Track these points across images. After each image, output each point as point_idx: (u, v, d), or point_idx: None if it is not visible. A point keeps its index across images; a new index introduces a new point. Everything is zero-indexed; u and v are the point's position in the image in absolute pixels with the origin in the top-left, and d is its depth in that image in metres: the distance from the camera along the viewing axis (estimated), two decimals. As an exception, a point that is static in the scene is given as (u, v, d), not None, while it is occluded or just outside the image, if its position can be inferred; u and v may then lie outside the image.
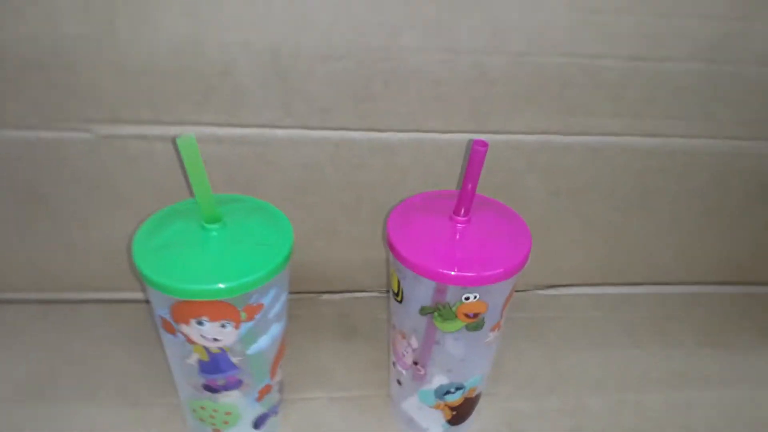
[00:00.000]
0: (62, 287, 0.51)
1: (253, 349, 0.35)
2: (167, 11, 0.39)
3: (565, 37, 0.43)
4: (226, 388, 0.36)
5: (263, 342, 0.35)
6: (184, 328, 0.33)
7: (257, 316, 0.33)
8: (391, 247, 0.34)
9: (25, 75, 0.41)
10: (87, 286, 0.51)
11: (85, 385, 0.44)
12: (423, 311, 0.34)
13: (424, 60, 0.43)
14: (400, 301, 0.36)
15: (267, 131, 0.45)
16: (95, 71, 0.41)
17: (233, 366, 0.35)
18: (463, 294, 0.33)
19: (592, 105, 0.47)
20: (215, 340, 0.33)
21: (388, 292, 0.54)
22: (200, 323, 0.32)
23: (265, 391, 0.38)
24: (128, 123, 0.43)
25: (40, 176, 0.45)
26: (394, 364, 0.40)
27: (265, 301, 0.33)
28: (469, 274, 0.32)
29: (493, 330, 0.35)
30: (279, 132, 0.45)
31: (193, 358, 0.34)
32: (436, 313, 0.34)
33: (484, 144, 0.32)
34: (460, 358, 0.36)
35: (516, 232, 0.35)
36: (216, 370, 0.35)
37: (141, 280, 0.32)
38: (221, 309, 0.32)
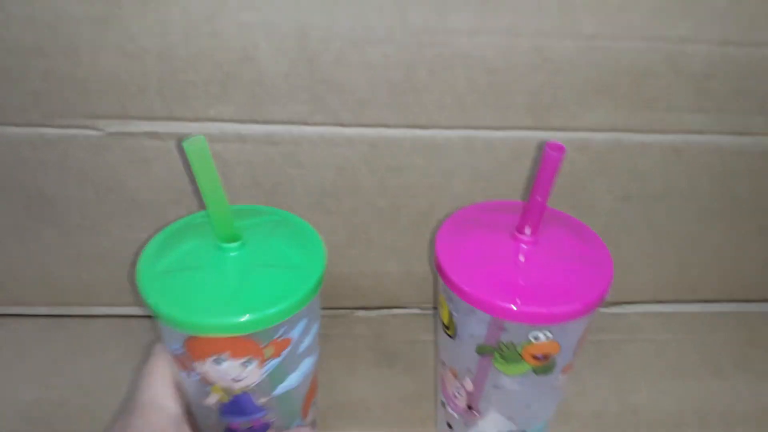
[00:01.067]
0: (71, 301, 0.47)
1: (281, 388, 0.30)
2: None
3: (645, 19, 0.36)
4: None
5: (292, 380, 0.30)
6: (200, 366, 0.27)
7: (285, 352, 0.28)
8: (440, 271, 0.28)
9: (23, 63, 0.36)
10: (97, 299, 0.47)
11: (97, 416, 0.39)
12: (481, 350, 0.28)
13: (477, 44, 0.37)
14: (452, 336, 0.30)
15: (294, 128, 0.39)
16: (100, 57, 0.36)
17: (258, 408, 0.30)
18: (531, 332, 0.27)
19: (673, 98, 0.40)
20: (236, 381, 0.28)
21: (435, 309, 0.48)
22: (218, 362, 0.27)
23: None
24: (138, 119, 0.38)
25: (45, 179, 0.41)
26: (443, 404, 0.34)
27: (294, 334, 0.28)
28: (540, 310, 0.26)
29: (564, 372, 0.29)
30: (308, 129, 0.39)
31: (212, 399, 0.29)
32: (497, 354, 0.28)
33: (560, 148, 0.26)
34: (524, 404, 0.30)
35: (592, 254, 0.29)
36: (239, 413, 0.30)
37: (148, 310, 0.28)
38: (243, 345, 0.27)
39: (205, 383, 0.28)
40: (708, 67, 0.39)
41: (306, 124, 0.39)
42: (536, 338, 0.27)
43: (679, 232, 0.47)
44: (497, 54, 0.37)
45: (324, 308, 0.47)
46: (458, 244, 0.29)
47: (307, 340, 0.29)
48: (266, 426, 0.31)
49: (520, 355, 0.27)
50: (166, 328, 0.27)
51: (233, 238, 0.28)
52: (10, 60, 0.36)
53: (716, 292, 0.51)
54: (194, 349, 0.27)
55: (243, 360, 0.27)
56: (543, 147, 0.26)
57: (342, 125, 0.39)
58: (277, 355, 0.28)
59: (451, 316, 0.30)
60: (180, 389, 0.30)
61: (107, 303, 0.47)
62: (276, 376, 0.29)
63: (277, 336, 0.27)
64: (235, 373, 0.27)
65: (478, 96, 0.39)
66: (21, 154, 0.40)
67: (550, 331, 0.26)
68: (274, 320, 0.26)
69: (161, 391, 0.29)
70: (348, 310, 0.49)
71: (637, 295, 0.51)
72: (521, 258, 0.28)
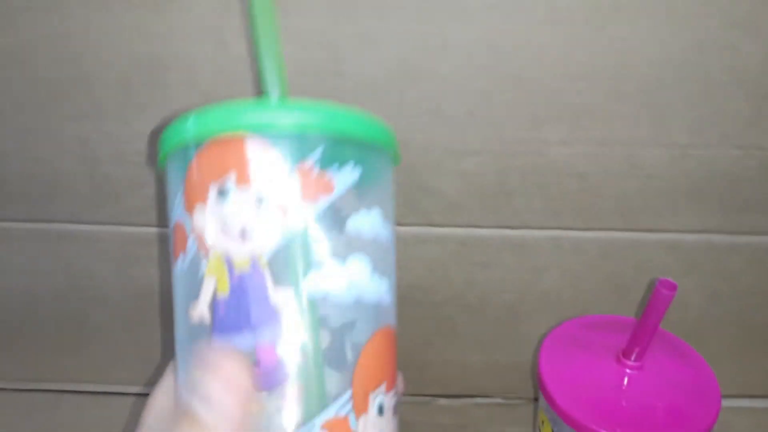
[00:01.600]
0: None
1: (313, 285, 0.19)
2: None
3: (740, 128, 0.37)
4: (256, 386, 0.19)
5: (333, 277, 0.20)
6: (199, 215, 0.20)
7: (322, 201, 0.20)
8: (545, 392, 0.29)
9: (143, 171, 0.39)
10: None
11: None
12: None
13: (569, 153, 0.38)
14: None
15: (389, 229, 0.41)
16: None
17: (272, 313, 0.19)
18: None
19: (766, 201, 0.40)
20: (243, 235, 0.19)
21: (532, 400, 0.48)
22: (223, 192, 0.19)
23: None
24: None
25: (154, 273, 0.43)
26: None
27: (338, 177, 0.20)
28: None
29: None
30: (401, 229, 0.41)
31: (204, 299, 0.20)
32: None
33: (673, 287, 0.26)
34: None
35: (699, 382, 0.29)
36: (239, 321, 0.19)
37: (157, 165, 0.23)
38: (257, 158, 0.19)
39: (201, 255, 0.20)
40: (803, 172, 0.39)
41: (399, 225, 0.41)
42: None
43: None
44: (588, 161, 0.38)
45: (406, 394, 0.48)
46: (562, 366, 0.30)
47: (364, 217, 0.21)
48: (280, 373, 0.19)
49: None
50: (171, 169, 0.21)
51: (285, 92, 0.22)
52: (132, 169, 0.39)
53: (811, 386, 0.50)
54: (196, 176, 0.20)
55: (255, 189, 0.19)
56: (654, 284, 0.27)
57: (434, 225, 0.41)
58: (312, 198, 0.20)
59: (554, 436, 0.30)
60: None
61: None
62: (307, 248, 0.19)
63: (311, 158, 0.19)
64: (245, 215, 0.19)
65: (569, 199, 0.40)
66: (134, 250, 0.42)
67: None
68: (312, 125, 0.20)
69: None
70: (431, 397, 0.49)
71: (727, 389, 0.49)
72: (626, 384, 0.29)
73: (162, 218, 0.41)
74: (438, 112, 0.36)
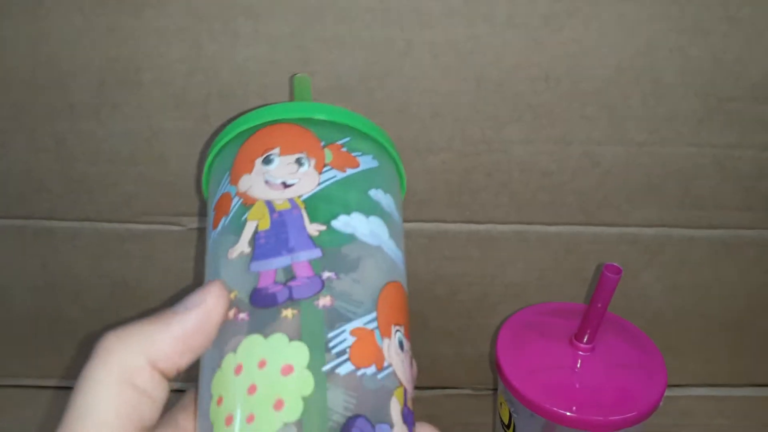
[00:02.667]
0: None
1: (343, 221, 0.22)
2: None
3: (693, 127, 0.38)
4: (292, 295, 0.21)
5: (359, 222, 0.23)
6: (245, 180, 0.23)
7: (350, 171, 0.24)
8: (502, 375, 0.31)
9: (118, 170, 0.40)
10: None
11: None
12: (540, 456, 0.30)
13: (531, 151, 0.39)
14: (512, 438, 0.32)
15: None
16: (188, 164, 0.40)
17: (308, 239, 0.22)
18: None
19: (721, 197, 0.41)
20: (286, 185, 0.23)
21: (494, 391, 0.49)
22: (268, 160, 0.23)
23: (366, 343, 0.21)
24: (217, 215, 0.42)
25: (129, 268, 0.44)
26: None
27: (361, 159, 0.24)
28: (593, 418, 0.28)
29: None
30: (371, 225, 0.42)
31: (245, 237, 0.22)
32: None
33: (618, 270, 0.28)
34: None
35: (647, 361, 0.31)
36: (278, 246, 0.22)
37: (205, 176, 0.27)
38: (298, 136, 0.24)
39: (245, 205, 0.23)
40: (756, 169, 0.40)
41: (369, 221, 0.42)
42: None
43: (729, 318, 0.48)
44: (550, 159, 0.40)
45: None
46: (518, 350, 0.31)
47: (382, 194, 0.25)
48: (317, 281, 0.21)
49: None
50: (221, 157, 0.25)
51: None
52: (107, 167, 0.40)
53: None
54: (244, 154, 0.24)
55: (297, 156, 0.23)
56: (601, 269, 0.28)
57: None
58: (340, 168, 0.23)
59: (511, 416, 0.31)
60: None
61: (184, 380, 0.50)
62: (337, 198, 0.23)
63: (341, 141, 0.24)
64: (287, 173, 0.23)
65: (532, 195, 0.41)
66: (109, 246, 0.43)
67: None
68: (340, 115, 0.24)
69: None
70: (403, 389, 0.51)
71: (688, 378, 0.51)
72: (579, 366, 0.30)
73: (152, 207, 0.42)
74: (404, 111, 0.38)
